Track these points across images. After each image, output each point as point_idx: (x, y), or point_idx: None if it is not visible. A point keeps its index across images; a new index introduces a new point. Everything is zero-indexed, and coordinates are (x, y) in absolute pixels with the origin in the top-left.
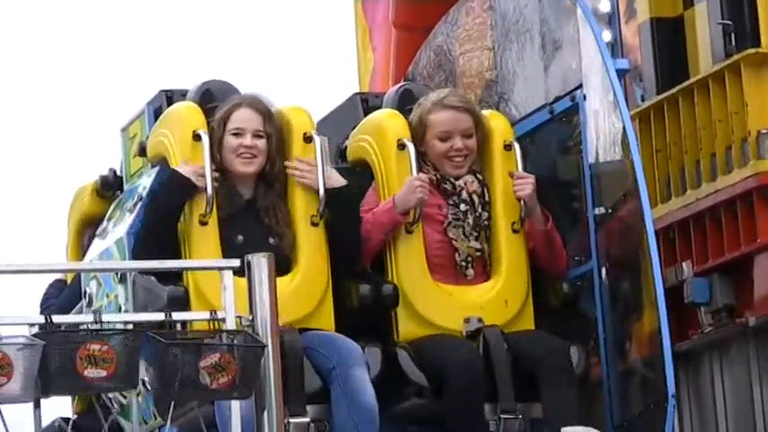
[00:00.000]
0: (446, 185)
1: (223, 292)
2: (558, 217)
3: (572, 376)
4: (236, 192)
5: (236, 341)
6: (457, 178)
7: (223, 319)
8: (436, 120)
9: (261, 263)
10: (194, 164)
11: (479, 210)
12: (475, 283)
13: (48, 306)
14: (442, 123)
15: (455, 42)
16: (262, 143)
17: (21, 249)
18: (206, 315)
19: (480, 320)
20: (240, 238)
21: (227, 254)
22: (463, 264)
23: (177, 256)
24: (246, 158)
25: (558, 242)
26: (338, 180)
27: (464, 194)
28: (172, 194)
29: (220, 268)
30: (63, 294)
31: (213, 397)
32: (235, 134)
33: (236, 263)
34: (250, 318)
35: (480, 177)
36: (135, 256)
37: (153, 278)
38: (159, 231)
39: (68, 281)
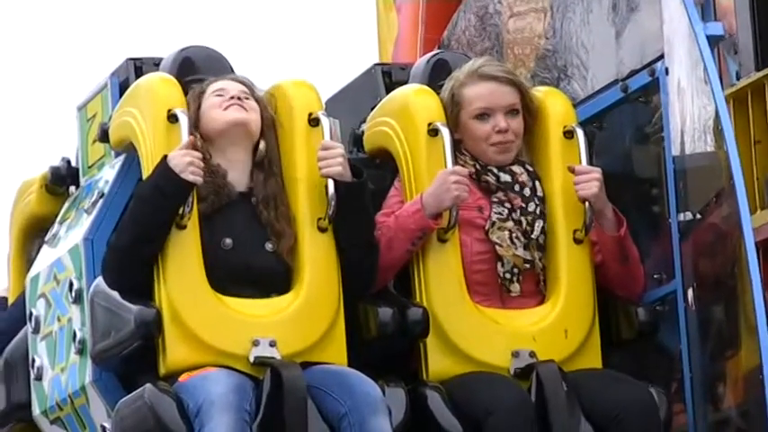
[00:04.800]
0: (488, 178)
1: None
2: (633, 224)
3: None
4: (224, 181)
5: None
6: (501, 169)
7: None
8: (472, 94)
9: None
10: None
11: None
12: (523, 303)
13: None
14: (479, 98)
15: (503, 2)
16: (250, 103)
17: None
18: None
19: (533, 355)
20: (228, 241)
21: (211, 261)
22: (507, 276)
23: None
24: (234, 108)
25: (635, 255)
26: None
27: (509, 190)
28: (168, 197)
29: None
30: (7, 313)
31: None
32: (217, 95)
33: None
34: None
35: (530, 169)
36: (108, 272)
37: (117, 295)
38: (148, 245)
39: (9, 298)
